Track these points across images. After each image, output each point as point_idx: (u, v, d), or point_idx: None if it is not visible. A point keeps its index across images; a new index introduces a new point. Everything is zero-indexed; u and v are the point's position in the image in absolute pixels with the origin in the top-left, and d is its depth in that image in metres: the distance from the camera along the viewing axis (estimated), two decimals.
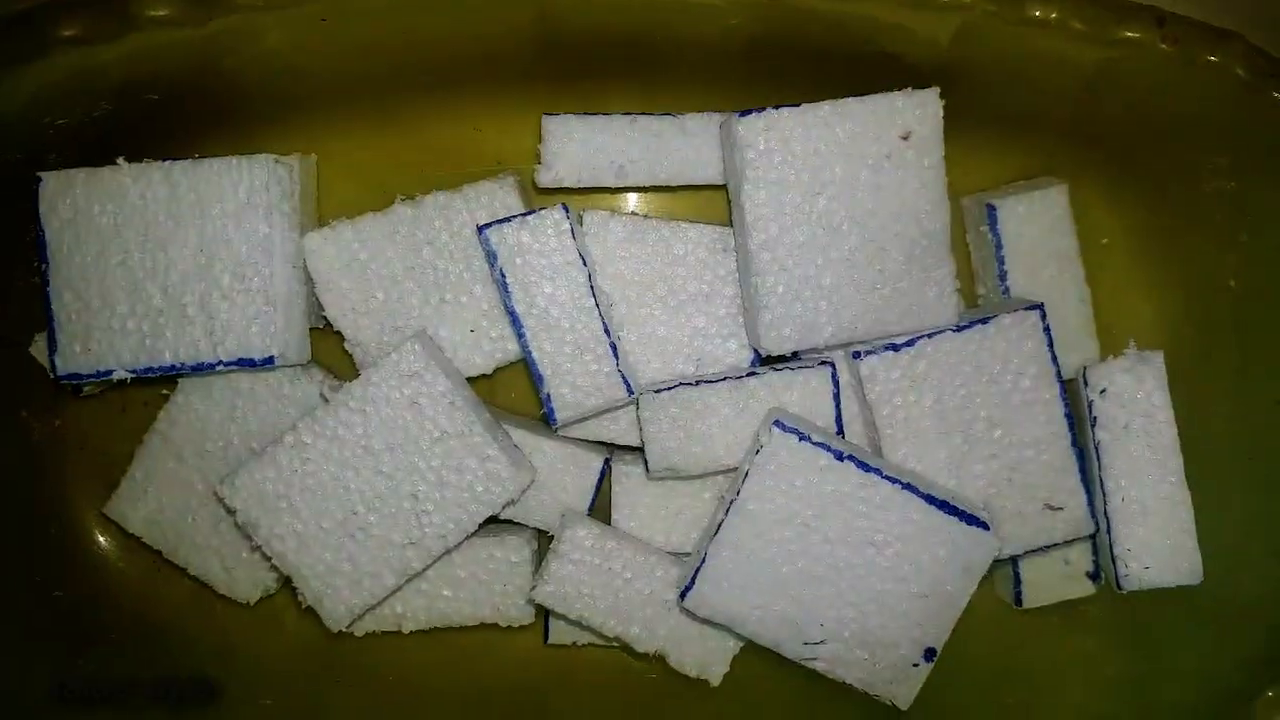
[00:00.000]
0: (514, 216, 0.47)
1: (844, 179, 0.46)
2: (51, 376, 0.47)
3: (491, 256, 0.47)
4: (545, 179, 0.49)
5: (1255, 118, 0.45)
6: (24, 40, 0.42)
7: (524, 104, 0.51)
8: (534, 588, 0.49)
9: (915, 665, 0.46)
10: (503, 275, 0.47)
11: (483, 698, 0.52)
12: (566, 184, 0.49)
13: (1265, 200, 0.48)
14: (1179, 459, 0.48)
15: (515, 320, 0.48)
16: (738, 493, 0.46)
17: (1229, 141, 0.47)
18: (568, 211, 0.47)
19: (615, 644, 0.49)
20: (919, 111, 0.46)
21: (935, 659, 0.46)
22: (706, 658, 0.49)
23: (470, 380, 0.50)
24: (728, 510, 0.46)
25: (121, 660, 0.50)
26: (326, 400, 0.48)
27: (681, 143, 0.49)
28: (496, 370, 0.50)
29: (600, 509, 0.51)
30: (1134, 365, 0.48)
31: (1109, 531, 0.48)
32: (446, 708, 0.52)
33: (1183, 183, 0.50)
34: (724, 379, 0.48)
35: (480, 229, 0.47)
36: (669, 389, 0.48)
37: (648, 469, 0.49)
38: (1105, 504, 0.48)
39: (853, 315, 0.47)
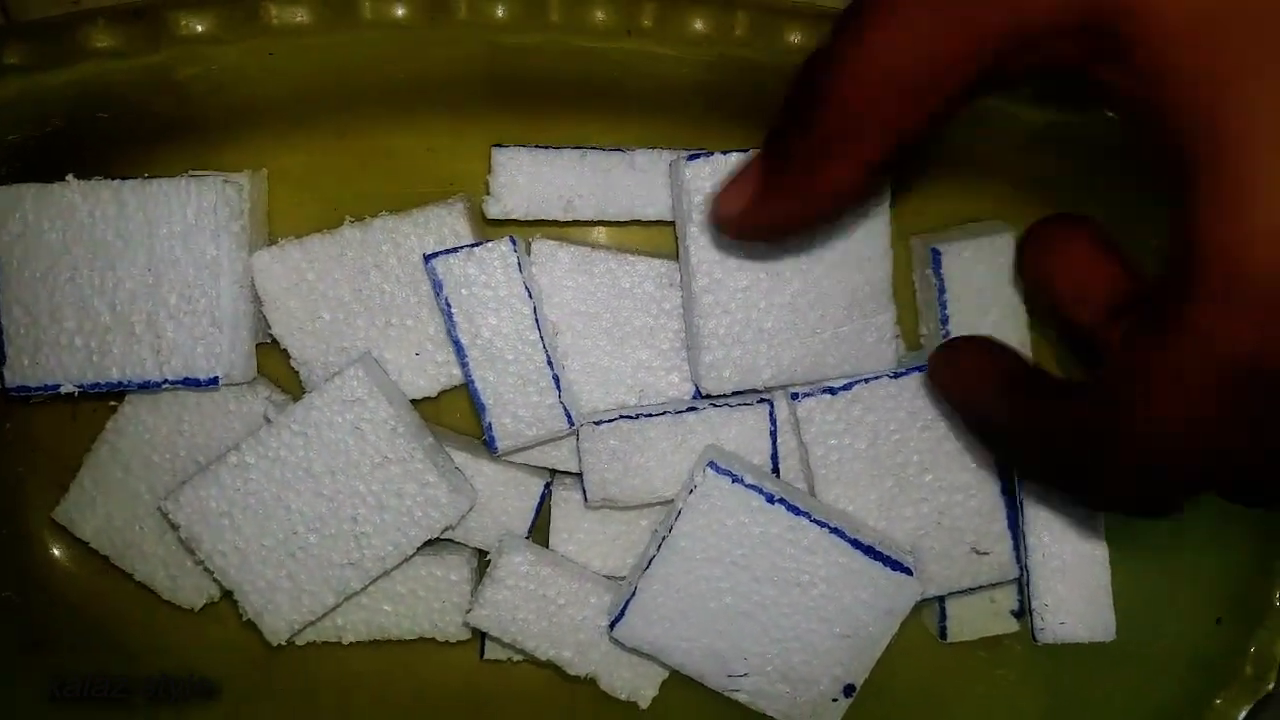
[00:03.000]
0: (461, 247, 0.48)
1: None
2: (0, 389, 0.48)
3: (437, 286, 0.48)
4: (493, 210, 0.50)
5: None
6: None
7: (478, 127, 0.51)
8: (469, 611, 0.50)
9: (834, 700, 0.48)
10: (448, 305, 0.48)
11: (421, 705, 0.54)
12: (515, 216, 0.50)
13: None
14: (1101, 518, 0.49)
15: (459, 349, 0.48)
16: (670, 530, 0.47)
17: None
18: (515, 244, 0.48)
19: (548, 666, 0.51)
20: None
21: (854, 695, 0.48)
22: (636, 682, 0.51)
23: (414, 402, 0.51)
24: (659, 546, 0.47)
25: (70, 661, 0.51)
26: (269, 421, 0.48)
27: (630, 179, 0.50)
28: (441, 393, 0.51)
29: (540, 530, 0.52)
30: None
31: (1028, 585, 0.50)
32: (386, 714, 0.54)
33: (1132, 236, 0.50)
34: (664, 413, 0.49)
35: (427, 259, 0.48)
36: (609, 422, 0.49)
37: (585, 499, 0.50)
38: (1027, 558, 0.50)
39: (792, 358, 0.48)
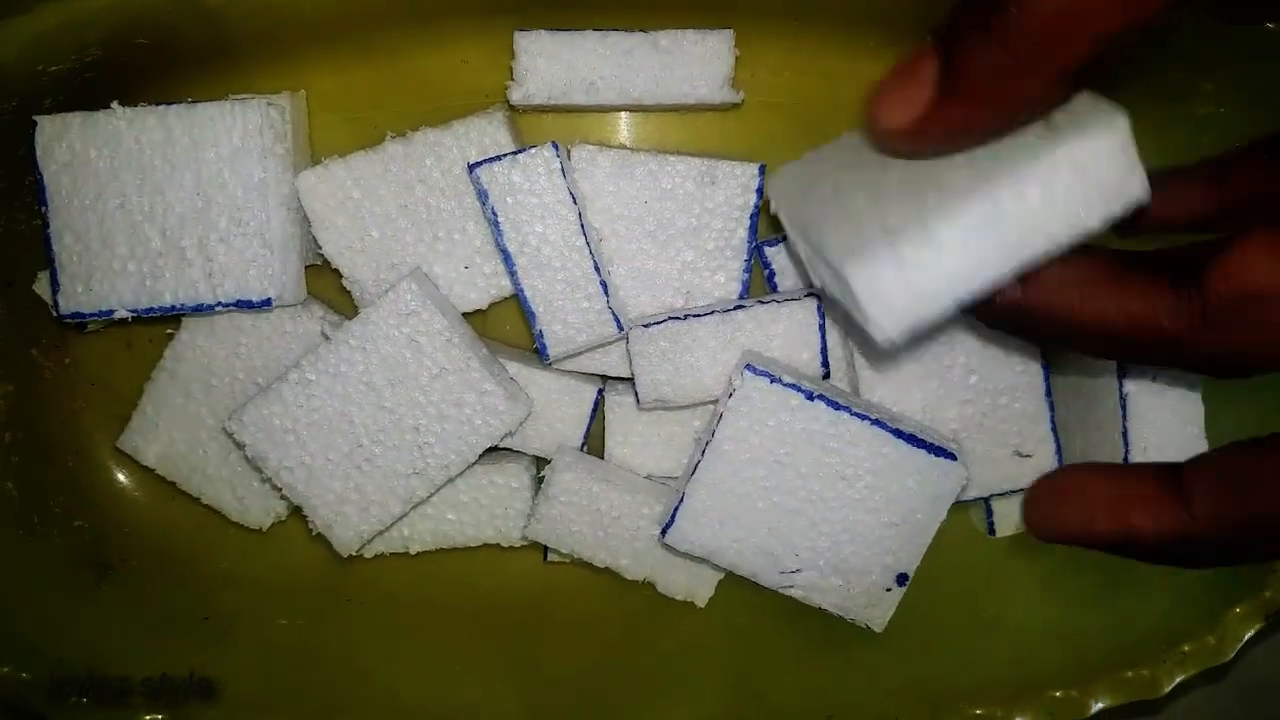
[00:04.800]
0: (504, 155, 0.48)
1: None
2: (54, 315, 0.49)
3: (483, 195, 0.48)
4: (516, 96, 0.50)
5: (1244, 47, 0.46)
6: None
7: (509, 38, 0.51)
8: (526, 525, 0.51)
9: (888, 590, 0.49)
10: (494, 214, 0.48)
11: (489, 610, 0.55)
12: (536, 101, 0.50)
13: (1252, 127, 0.48)
14: (1200, 409, 0.49)
15: (507, 259, 0.49)
16: (712, 434, 0.47)
17: (1217, 68, 0.47)
18: (558, 149, 0.48)
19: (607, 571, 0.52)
20: None
21: (908, 583, 0.49)
22: (692, 584, 0.52)
23: (466, 315, 0.51)
24: (704, 451, 0.47)
25: (141, 586, 0.53)
26: (327, 338, 0.49)
27: (653, 60, 0.50)
28: (491, 305, 0.52)
29: (595, 435, 0.53)
30: None
31: None
32: (454, 620, 0.55)
33: (1171, 107, 0.50)
34: (711, 312, 0.49)
35: (471, 168, 0.48)
36: (657, 324, 0.49)
37: (638, 400, 0.50)
38: (1127, 455, 0.49)
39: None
